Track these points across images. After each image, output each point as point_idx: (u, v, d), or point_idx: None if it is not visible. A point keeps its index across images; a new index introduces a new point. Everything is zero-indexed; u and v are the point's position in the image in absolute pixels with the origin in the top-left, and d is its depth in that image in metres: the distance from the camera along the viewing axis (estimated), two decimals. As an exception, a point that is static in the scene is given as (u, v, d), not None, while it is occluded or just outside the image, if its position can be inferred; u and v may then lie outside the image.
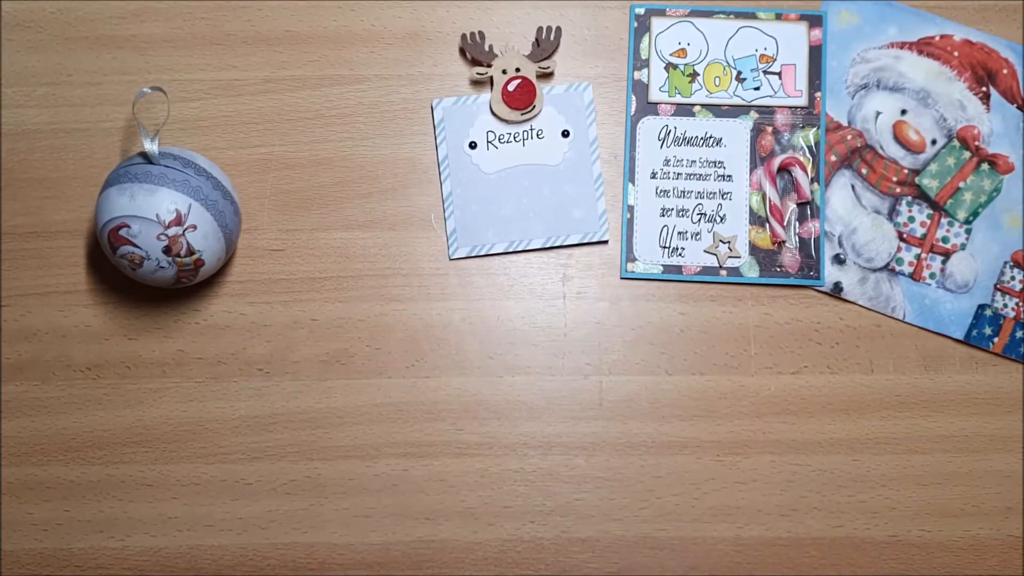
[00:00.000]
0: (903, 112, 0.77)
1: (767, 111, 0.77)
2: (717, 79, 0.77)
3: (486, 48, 0.77)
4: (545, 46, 0.77)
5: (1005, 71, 0.77)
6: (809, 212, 0.76)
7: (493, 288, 0.76)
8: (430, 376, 0.75)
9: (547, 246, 0.76)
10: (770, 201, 0.75)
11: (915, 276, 0.76)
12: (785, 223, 0.76)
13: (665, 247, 0.76)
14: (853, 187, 0.76)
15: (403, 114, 0.77)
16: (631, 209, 0.76)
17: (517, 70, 0.76)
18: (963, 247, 0.76)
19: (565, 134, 0.77)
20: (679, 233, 0.76)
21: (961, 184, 0.76)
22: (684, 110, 0.77)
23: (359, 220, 0.76)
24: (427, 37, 0.78)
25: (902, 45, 0.77)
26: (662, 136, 0.77)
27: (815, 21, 0.77)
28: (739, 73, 0.77)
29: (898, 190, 0.76)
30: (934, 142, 0.77)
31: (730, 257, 0.76)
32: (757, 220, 0.76)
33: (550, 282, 0.76)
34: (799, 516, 0.74)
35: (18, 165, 0.77)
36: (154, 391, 0.75)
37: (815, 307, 0.76)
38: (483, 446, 0.74)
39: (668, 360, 0.75)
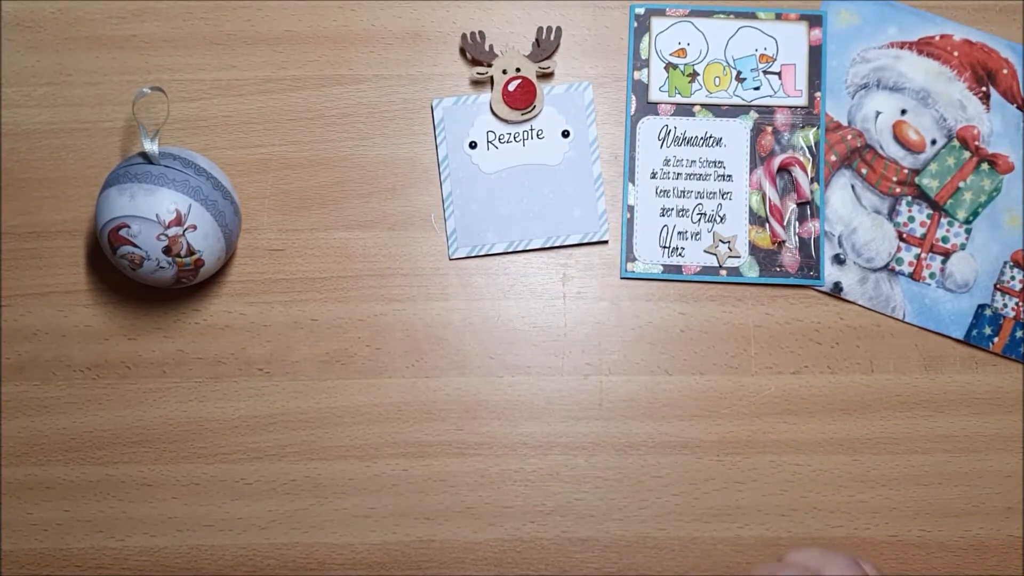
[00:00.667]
0: (903, 112, 0.77)
1: (767, 111, 0.77)
2: (717, 79, 0.77)
3: (486, 48, 0.77)
4: (545, 46, 0.77)
5: (1005, 71, 0.77)
6: (809, 212, 0.76)
7: (493, 288, 0.76)
8: (430, 376, 0.75)
9: (547, 246, 0.76)
10: (770, 201, 0.75)
11: (915, 276, 0.76)
12: (785, 223, 0.76)
13: (665, 247, 0.76)
14: (853, 187, 0.76)
15: (403, 114, 0.77)
16: (631, 209, 0.76)
17: (517, 70, 0.76)
18: (963, 247, 0.76)
19: (565, 134, 0.77)
20: (679, 233, 0.76)
21: (961, 184, 0.76)
22: (684, 110, 0.77)
23: (359, 220, 0.76)
24: (427, 37, 0.78)
25: (902, 45, 0.77)
26: (662, 136, 0.77)
27: (815, 21, 0.78)
28: (739, 73, 0.77)
29: (898, 190, 0.76)
30: (934, 142, 0.77)
31: (730, 257, 0.76)
32: (757, 220, 0.76)
33: (550, 282, 0.76)
34: (799, 516, 0.74)
35: (18, 165, 0.77)
36: (154, 391, 0.75)
37: (815, 307, 0.76)
38: (483, 446, 0.74)
39: (668, 360, 0.75)
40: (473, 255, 0.76)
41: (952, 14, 0.78)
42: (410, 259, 0.76)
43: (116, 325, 0.75)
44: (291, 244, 0.76)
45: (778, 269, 0.76)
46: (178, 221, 0.67)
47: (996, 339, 0.75)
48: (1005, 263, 0.76)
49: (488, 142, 0.77)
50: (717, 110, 0.77)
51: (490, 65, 0.77)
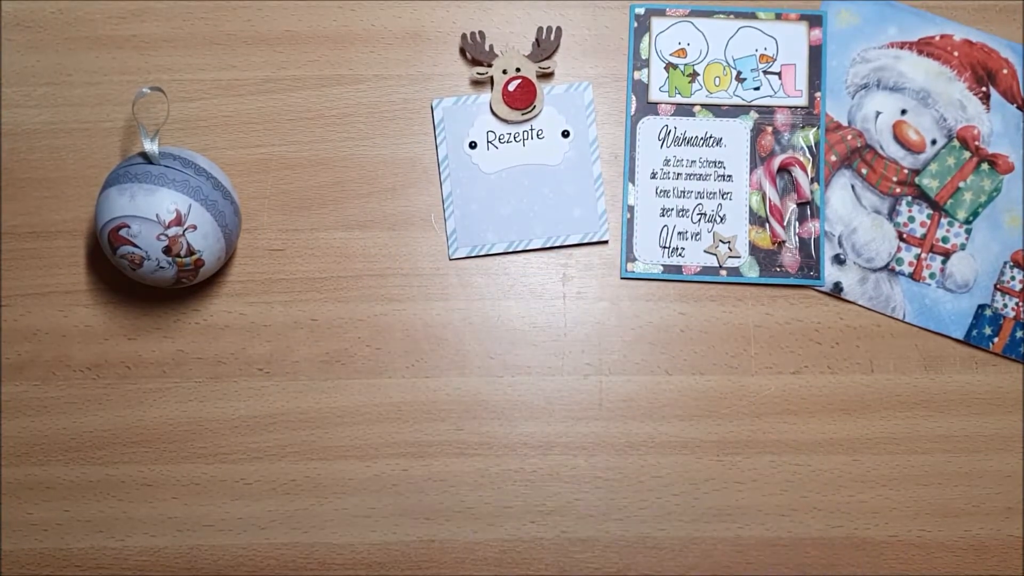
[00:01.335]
0: (903, 112, 0.77)
1: (767, 111, 0.77)
2: (717, 79, 0.77)
3: (486, 48, 0.77)
4: (545, 46, 0.77)
5: (1005, 71, 0.77)
6: (809, 212, 0.76)
7: (493, 288, 0.76)
8: (430, 376, 0.75)
9: (547, 246, 0.76)
10: (770, 201, 0.75)
11: (915, 276, 0.76)
12: (785, 223, 0.76)
13: (665, 247, 0.76)
14: (853, 187, 0.76)
15: (403, 114, 0.77)
16: (631, 209, 0.76)
17: (517, 70, 0.76)
18: (963, 247, 0.76)
19: (565, 134, 0.77)
20: (679, 233, 0.76)
21: (961, 184, 0.76)
22: (684, 110, 0.77)
23: (359, 220, 0.76)
24: (427, 37, 0.78)
25: (902, 45, 0.77)
26: (662, 136, 0.77)
27: (815, 21, 0.77)
28: (739, 73, 0.77)
29: (898, 190, 0.76)
30: (934, 142, 0.77)
31: (730, 257, 0.76)
32: (757, 220, 0.76)
33: (550, 282, 0.76)
34: (799, 516, 0.74)
35: (18, 165, 0.77)
36: (154, 391, 0.75)
37: (815, 307, 0.76)
38: (483, 446, 0.74)
39: (668, 360, 0.75)
40: (473, 255, 0.76)
41: (952, 14, 0.78)
42: (410, 259, 0.76)
43: (116, 325, 0.75)
44: (291, 244, 0.76)
45: (778, 269, 0.76)
46: (178, 221, 0.67)
47: (996, 339, 0.75)
48: (1005, 263, 0.76)
49: (488, 142, 0.77)
50: (717, 110, 0.77)
51: (490, 65, 0.77)
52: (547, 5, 0.78)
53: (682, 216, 0.76)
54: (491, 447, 0.74)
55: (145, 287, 0.75)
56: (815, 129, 0.77)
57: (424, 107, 0.77)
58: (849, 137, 0.77)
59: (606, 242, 0.76)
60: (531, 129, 0.77)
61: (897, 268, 0.76)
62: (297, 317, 0.75)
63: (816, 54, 0.77)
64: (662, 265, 0.76)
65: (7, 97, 0.77)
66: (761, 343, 0.75)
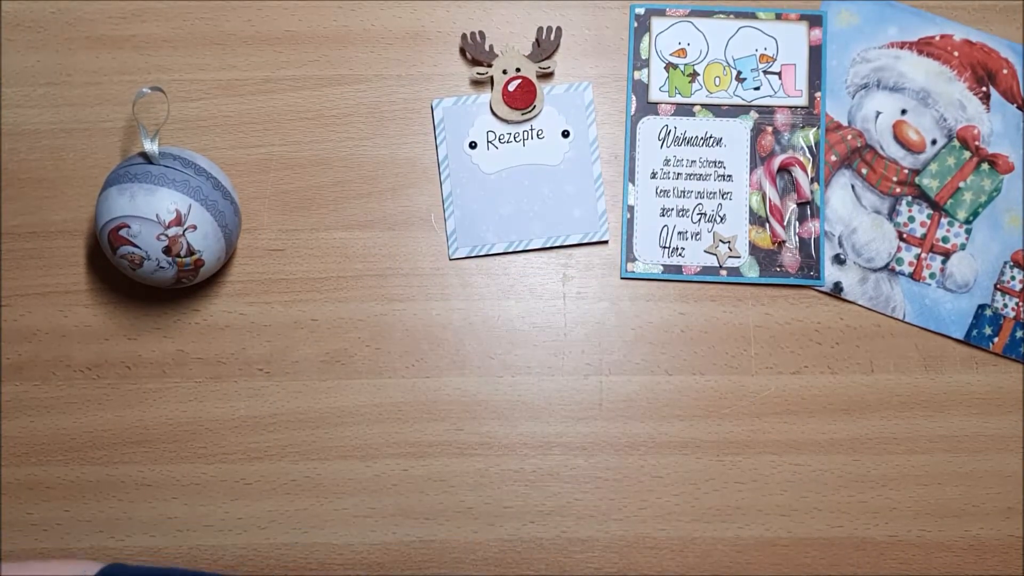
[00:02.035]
0: (903, 112, 0.77)
1: (767, 111, 0.77)
2: (717, 79, 0.77)
3: (486, 48, 0.77)
4: (545, 46, 0.77)
5: (1005, 71, 0.77)
6: (809, 212, 0.76)
7: (493, 288, 0.76)
8: (430, 376, 0.75)
9: (547, 246, 0.76)
10: (770, 201, 0.75)
11: (915, 276, 0.76)
12: (785, 223, 0.76)
13: (665, 247, 0.76)
14: (853, 187, 0.76)
15: (403, 114, 0.77)
16: (631, 209, 0.76)
17: (517, 70, 0.76)
18: (963, 247, 0.76)
19: (565, 134, 0.77)
20: (679, 233, 0.76)
21: (961, 184, 0.76)
22: (684, 110, 0.77)
23: (359, 220, 0.76)
24: (427, 37, 0.78)
25: (902, 45, 0.77)
26: (662, 136, 0.77)
27: (815, 21, 0.77)
28: (739, 73, 0.77)
29: (898, 190, 0.76)
30: (934, 142, 0.77)
31: (730, 257, 0.76)
32: (757, 220, 0.76)
33: (550, 282, 0.76)
34: (799, 516, 0.74)
35: (18, 165, 0.77)
36: (154, 391, 0.75)
37: (815, 307, 0.76)
38: (483, 446, 0.74)
39: (668, 360, 0.75)
40: (473, 255, 0.76)
41: (952, 14, 0.78)
42: (410, 259, 0.76)
43: (116, 325, 0.75)
44: (291, 244, 0.76)
45: (778, 269, 0.76)
46: (178, 221, 0.67)
47: (996, 339, 0.75)
48: (1005, 263, 0.76)
49: (488, 142, 0.77)
50: (717, 110, 0.77)
51: (490, 65, 0.77)
52: (547, 5, 0.78)
53: (682, 216, 0.76)
54: (491, 447, 0.74)
55: (145, 287, 0.75)
56: (815, 129, 0.77)
57: (424, 107, 0.77)
58: (849, 137, 0.77)
59: (606, 242, 0.76)
60: (531, 129, 0.77)
61: (897, 268, 0.76)
62: (297, 317, 0.75)
63: (816, 54, 0.77)
64: (662, 265, 0.76)
65: (7, 97, 0.77)
66: (761, 343, 0.75)
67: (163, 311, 0.75)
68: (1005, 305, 0.75)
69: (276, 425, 0.74)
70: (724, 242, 0.76)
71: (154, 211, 0.67)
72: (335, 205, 0.76)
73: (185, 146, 0.76)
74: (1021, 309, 0.75)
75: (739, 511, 0.74)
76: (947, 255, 0.76)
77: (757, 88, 0.77)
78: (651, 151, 0.77)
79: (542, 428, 0.75)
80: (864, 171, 0.76)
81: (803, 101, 0.77)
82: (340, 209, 0.76)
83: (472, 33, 0.77)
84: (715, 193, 0.76)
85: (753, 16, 0.78)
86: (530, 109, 0.76)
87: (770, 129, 0.77)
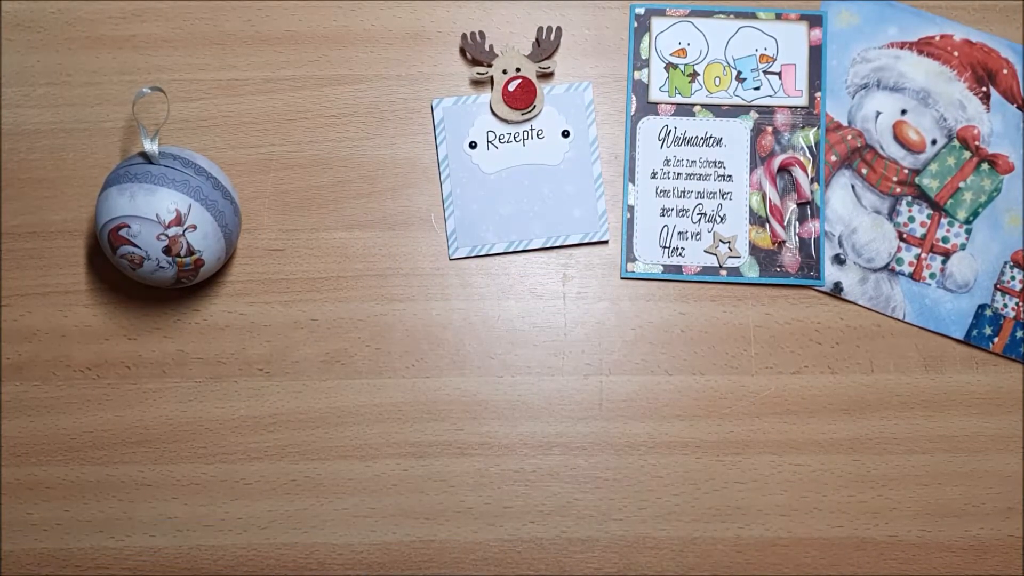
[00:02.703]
0: (903, 112, 0.77)
1: (767, 111, 0.77)
2: (717, 79, 0.77)
3: (486, 48, 0.77)
4: (545, 46, 0.77)
5: (1005, 71, 0.77)
6: (809, 212, 0.76)
7: (493, 288, 0.76)
8: (430, 376, 0.75)
9: (547, 246, 0.76)
10: (770, 201, 0.75)
11: (915, 276, 0.76)
12: (785, 223, 0.76)
13: (665, 247, 0.76)
14: (853, 187, 0.76)
15: (403, 114, 0.77)
16: (631, 209, 0.76)
17: (517, 70, 0.76)
18: (963, 247, 0.76)
19: (565, 134, 0.77)
20: (679, 233, 0.76)
21: (961, 184, 0.76)
22: (684, 110, 0.77)
23: (359, 220, 0.76)
24: (427, 37, 0.78)
25: (902, 45, 0.77)
26: (662, 136, 0.77)
27: (815, 21, 0.77)
28: (739, 73, 0.77)
29: (898, 190, 0.76)
30: (934, 142, 0.77)
31: (730, 257, 0.76)
32: (757, 220, 0.76)
33: (550, 282, 0.76)
34: (799, 516, 0.74)
35: (18, 165, 0.77)
36: (154, 391, 0.75)
37: (815, 307, 0.76)
38: (483, 446, 0.74)
39: (668, 360, 0.75)
40: (473, 255, 0.76)
41: (952, 14, 0.78)
42: (410, 259, 0.76)
43: (116, 325, 0.75)
44: (291, 244, 0.76)
45: (778, 269, 0.76)
46: (178, 221, 0.67)
47: (996, 339, 0.75)
48: (1005, 263, 0.76)
49: (488, 142, 0.77)
50: (717, 110, 0.77)
51: (490, 65, 0.77)
52: (547, 5, 0.78)
53: (682, 216, 0.76)
54: (491, 447, 0.74)
55: (145, 287, 0.75)
56: (815, 129, 0.77)
57: (424, 107, 0.77)
58: (849, 137, 0.77)
59: (606, 242, 0.76)
60: (531, 129, 0.77)
61: (897, 268, 0.76)
62: (297, 317, 0.75)
63: (816, 54, 0.77)
64: (662, 265, 0.76)
65: (7, 97, 0.77)
66: (761, 343, 0.75)
67: (163, 311, 0.75)
68: (1005, 305, 0.75)
69: (276, 425, 0.74)
70: (724, 242, 0.76)
71: (154, 211, 0.67)
72: (335, 205, 0.76)
73: (185, 146, 0.76)
74: (1021, 309, 0.75)
75: (739, 511, 0.74)
76: (947, 255, 0.76)
77: (757, 88, 0.77)
78: (651, 151, 0.77)
79: (542, 428, 0.75)
80: (864, 171, 0.76)
81: (803, 101, 0.77)
82: (340, 209, 0.76)
83: (472, 33, 0.77)
84: (715, 193, 0.76)
85: (753, 16, 0.78)
86: (530, 109, 0.76)
87: (770, 129, 0.77)
